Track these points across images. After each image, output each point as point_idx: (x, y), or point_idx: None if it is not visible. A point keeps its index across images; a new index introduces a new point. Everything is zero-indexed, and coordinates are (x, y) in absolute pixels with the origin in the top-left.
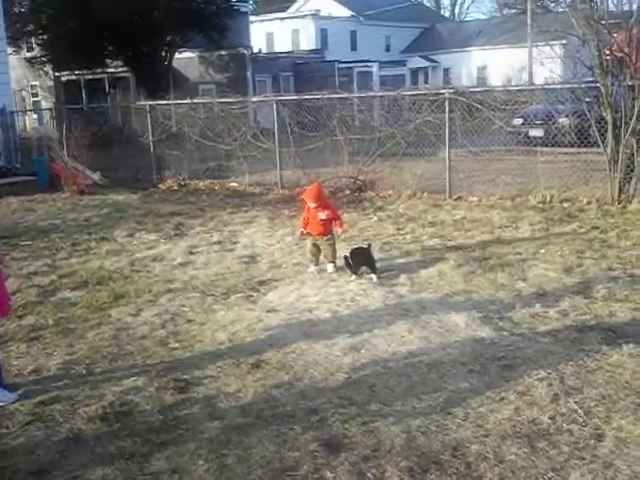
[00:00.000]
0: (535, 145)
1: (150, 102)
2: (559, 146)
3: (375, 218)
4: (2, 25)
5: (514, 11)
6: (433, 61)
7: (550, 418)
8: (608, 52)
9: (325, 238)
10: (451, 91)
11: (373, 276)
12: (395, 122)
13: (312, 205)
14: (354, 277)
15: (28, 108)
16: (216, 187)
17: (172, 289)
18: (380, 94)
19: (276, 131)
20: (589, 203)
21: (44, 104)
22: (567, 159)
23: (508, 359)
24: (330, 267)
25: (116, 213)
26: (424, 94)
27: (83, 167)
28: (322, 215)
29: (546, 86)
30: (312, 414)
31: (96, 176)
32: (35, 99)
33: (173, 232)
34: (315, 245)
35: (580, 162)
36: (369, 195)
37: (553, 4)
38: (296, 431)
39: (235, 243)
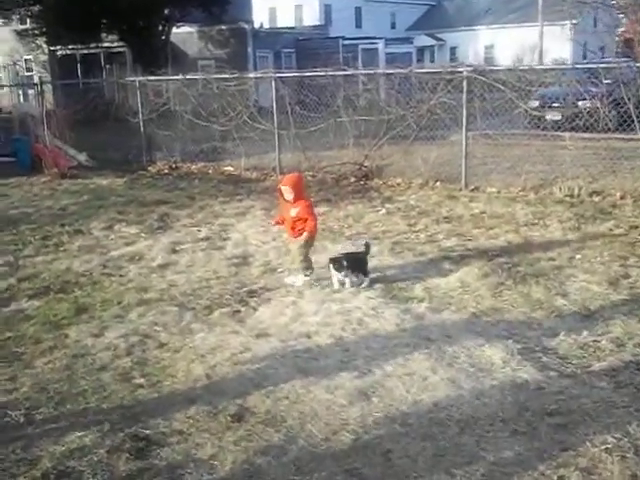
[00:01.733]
0: (553, 130)
1: (140, 78)
2: (579, 131)
3: (383, 211)
4: None
5: None
6: (439, 39)
7: None
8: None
9: (295, 242)
10: (470, 69)
11: (365, 281)
12: (406, 103)
13: (288, 197)
14: (365, 285)
15: (19, 83)
16: (210, 171)
17: (146, 300)
18: (390, 71)
19: (275, 111)
20: (622, 198)
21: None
22: (588, 145)
23: (561, 414)
24: (290, 278)
25: (96, 201)
26: (439, 72)
27: (67, 147)
28: (293, 212)
29: (578, 65)
30: None
31: (82, 157)
32: (29, 74)
33: (157, 224)
34: (289, 247)
35: (603, 149)
36: (376, 184)
37: None
38: None
39: (225, 239)
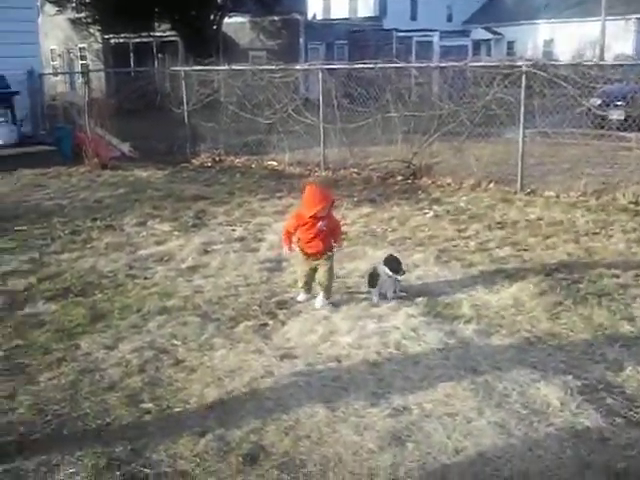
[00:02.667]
0: (615, 129)
1: (185, 67)
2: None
3: (431, 214)
4: None
5: None
6: (497, 33)
7: None
8: None
9: (325, 257)
10: (529, 64)
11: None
12: (460, 98)
13: (311, 213)
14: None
15: (67, 71)
16: (253, 165)
17: (168, 308)
18: (443, 65)
19: (321, 104)
20: None
21: (91, 67)
22: None
23: (630, 474)
24: (320, 300)
25: (133, 194)
26: (496, 66)
27: (110, 137)
28: (322, 226)
29: None
30: None
31: (125, 147)
32: (83, 62)
33: (191, 222)
34: (311, 267)
35: None
36: (424, 183)
37: None
38: None
39: (260, 240)
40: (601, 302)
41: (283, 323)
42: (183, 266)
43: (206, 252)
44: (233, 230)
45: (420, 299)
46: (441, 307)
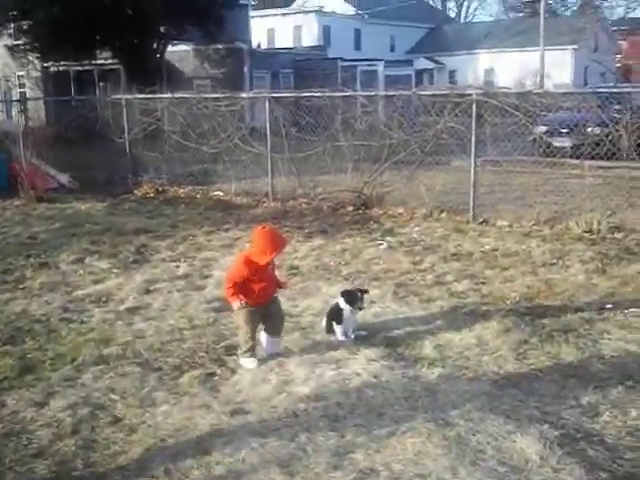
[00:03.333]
0: (560, 157)
1: (127, 96)
2: (590, 159)
3: (384, 245)
4: None
5: (521, 14)
6: (439, 62)
7: None
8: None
9: (274, 299)
10: (479, 92)
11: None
12: (410, 127)
13: (268, 259)
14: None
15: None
16: (198, 195)
17: (105, 356)
18: (392, 93)
19: (268, 133)
20: None
21: (30, 95)
22: (599, 174)
23: None
24: (268, 344)
25: (70, 228)
26: (445, 95)
27: (47, 167)
28: (273, 269)
29: (599, 89)
30: None
31: (64, 178)
32: (21, 90)
33: (132, 257)
34: (260, 317)
35: (617, 179)
36: (376, 213)
37: (562, 8)
38: None
39: (206, 277)
40: (568, 339)
41: (233, 371)
42: (122, 307)
43: (148, 291)
44: (177, 266)
45: (379, 339)
46: (402, 348)
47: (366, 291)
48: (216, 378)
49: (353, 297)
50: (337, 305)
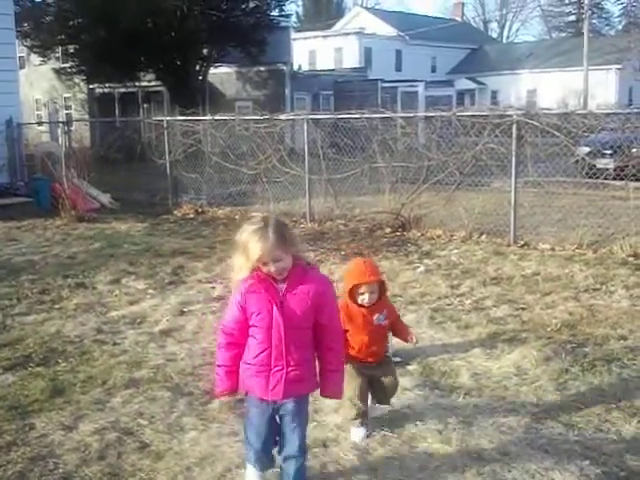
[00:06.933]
0: (604, 178)
1: (168, 117)
2: (635, 180)
3: (422, 268)
4: (13, 29)
5: (564, 34)
6: (480, 83)
7: None
8: None
9: (385, 360)
10: (520, 113)
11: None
12: (449, 148)
13: (372, 298)
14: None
15: (47, 121)
16: (237, 216)
17: (136, 380)
18: (430, 114)
19: (306, 154)
20: None
21: (75, 117)
22: None
23: None
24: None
25: (109, 249)
26: (485, 115)
27: (89, 188)
28: (381, 319)
29: None
30: None
31: (105, 199)
32: (67, 111)
33: (168, 279)
34: (368, 379)
35: None
36: (414, 235)
37: (607, 27)
38: None
39: None
40: (611, 369)
41: None
42: (156, 329)
43: (182, 313)
44: (213, 288)
45: (414, 367)
46: (438, 376)
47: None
48: (246, 404)
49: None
50: None
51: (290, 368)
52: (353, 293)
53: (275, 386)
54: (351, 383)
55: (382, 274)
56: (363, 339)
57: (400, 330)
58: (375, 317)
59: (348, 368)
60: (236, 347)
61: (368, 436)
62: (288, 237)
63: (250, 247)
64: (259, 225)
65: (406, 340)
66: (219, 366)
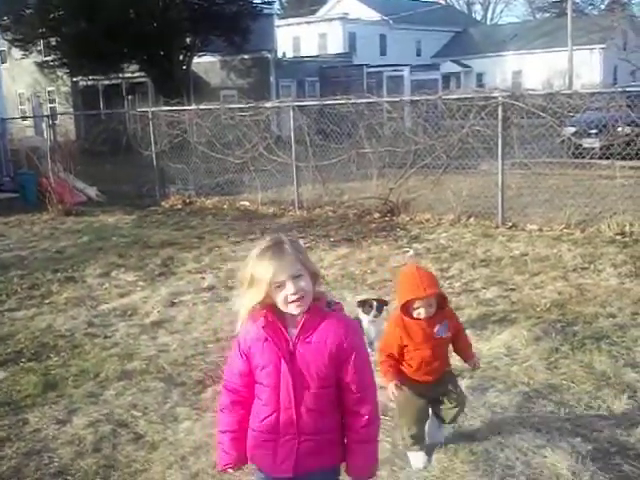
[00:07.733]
0: (590, 158)
1: (152, 108)
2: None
3: (411, 252)
4: None
5: (548, 15)
6: (465, 66)
7: None
8: None
9: (446, 377)
10: (505, 94)
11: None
12: (435, 132)
13: (429, 312)
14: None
15: (30, 115)
16: (225, 206)
17: (128, 372)
18: (416, 98)
19: (293, 142)
20: None
21: (60, 111)
22: (630, 175)
23: None
24: (433, 427)
25: (98, 242)
26: (470, 98)
27: (75, 181)
28: (443, 331)
29: (628, 88)
30: None
31: (92, 192)
32: (51, 105)
33: (158, 270)
34: (427, 402)
35: None
36: (402, 220)
37: (590, 7)
38: None
39: (231, 289)
40: (600, 346)
41: None
42: (147, 321)
43: (173, 304)
44: (203, 278)
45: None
46: None
47: (386, 303)
48: None
49: (367, 306)
50: (357, 316)
51: (303, 437)
52: (407, 308)
53: (284, 460)
54: (407, 408)
55: (439, 286)
56: (424, 355)
57: (463, 347)
58: (436, 329)
59: (404, 390)
60: (242, 407)
61: (430, 461)
62: (305, 253)
63: (259, 270)
64: (268, 244)
65: (466, 360)
66: (222, 432)
